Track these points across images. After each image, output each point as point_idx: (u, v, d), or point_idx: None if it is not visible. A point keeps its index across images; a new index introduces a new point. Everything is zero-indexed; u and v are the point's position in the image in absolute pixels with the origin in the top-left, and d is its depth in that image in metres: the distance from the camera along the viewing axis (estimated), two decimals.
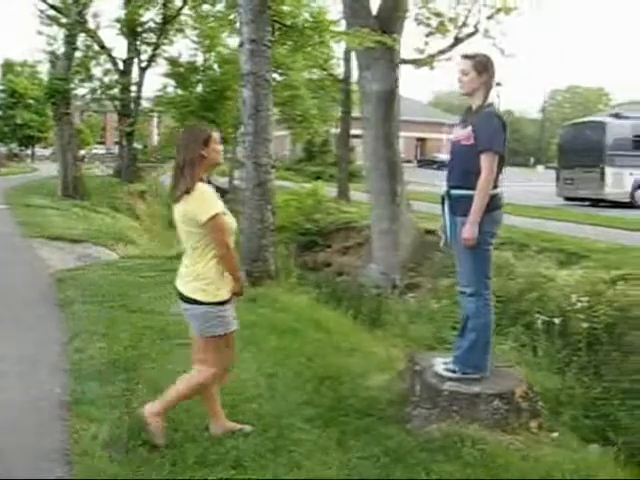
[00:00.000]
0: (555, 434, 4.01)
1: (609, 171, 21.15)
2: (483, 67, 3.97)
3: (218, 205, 3.38)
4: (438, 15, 12.08)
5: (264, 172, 7.41)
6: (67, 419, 3.81)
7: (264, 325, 5.90)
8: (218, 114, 22.20)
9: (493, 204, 3.93)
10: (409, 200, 14.38)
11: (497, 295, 10.84)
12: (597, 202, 21.22)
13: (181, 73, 22.66)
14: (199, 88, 23.20)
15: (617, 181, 21.21)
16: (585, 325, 9.11)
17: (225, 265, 3.41)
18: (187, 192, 3.33)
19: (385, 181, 12.48)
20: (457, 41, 13.60)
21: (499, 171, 3.95)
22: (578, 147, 22.09)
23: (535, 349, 9.09)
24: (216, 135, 3.49)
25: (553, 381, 7.52)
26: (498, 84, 24.11)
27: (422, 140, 52.28)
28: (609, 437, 6.31)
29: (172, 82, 23.09)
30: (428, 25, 13.17)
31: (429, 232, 16.06)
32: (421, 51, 13.35)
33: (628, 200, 21.31)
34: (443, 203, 4.14)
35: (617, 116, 22.33)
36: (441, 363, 4.13)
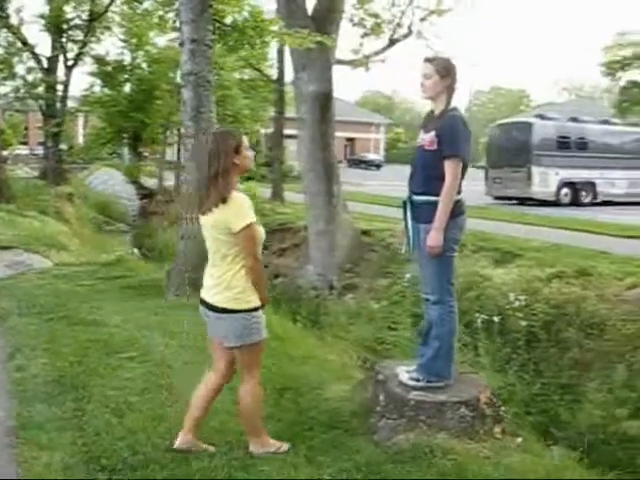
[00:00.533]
0: (519, 439, 4.00)
1: (536, 170, 21.77)
2: (446, 70, 3.91)
3: (252, 214, 3.33)
4: (375, 16, 12.11)
5: None
6: (14, 446, 3.54)
7: None
8: (147, 114, 21.70)
9: (457, 210, 3.88)
10: (345, 201, 14.37)
11: None
12: (524, 201, 21.80)
13: (108, 72, 22.02)
14: (127, 88, 22.61)
15: (543, 180, 21.87)
16: (524, 323, 9.29)
17: (253, 276, 3.37)
18: (223, 201, 3.26)
19: (321, 182, 12.46)
20: (392, 42, 13.72)
21: (462, 177, 3.91)
22: (506, 147, 22.67)
23: (476, 348, 9.22)
24: (246, 140, 3.45)
25: (495, 380, 7.62)
26: None
27: (351, 140, 52.68)
28: (552, 433, 6.43)
29: (99, 81, 22.42)
30: (363, 26, 13.23)
31: (365, 233, 16.20)
32: (356, 52, 13.39)
33: (553, 199, 22.01)
34: (405, 209, 4.06)
35: (542, 117, 23.03)
36: (405, 372, 4.06)
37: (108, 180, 21.85)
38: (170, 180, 22.58)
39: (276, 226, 15.54)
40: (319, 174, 12.47)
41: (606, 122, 24.25)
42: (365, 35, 13.08)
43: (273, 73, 17.13)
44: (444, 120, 3.86)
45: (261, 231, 3.42)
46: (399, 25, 13.63)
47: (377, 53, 13.26)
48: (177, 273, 7.19)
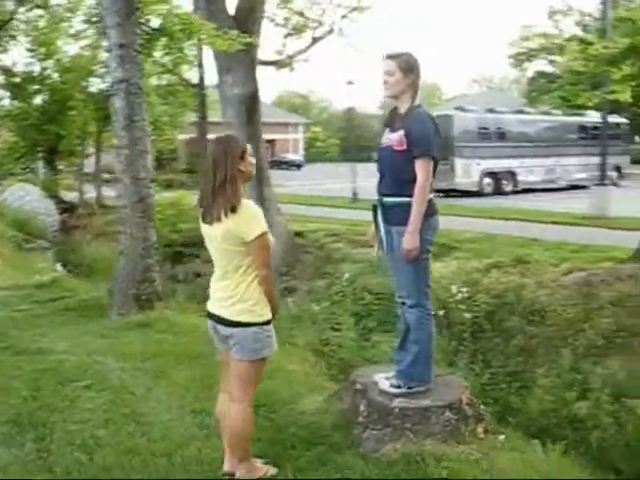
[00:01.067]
0: (502, 437, 3.96)
1: (458, 162, 22.22)
2: (409, 67, 3.77)
3: (264, 222, 3.19)
4: (301, 15, 12.00)
5: (144, 187, 6.90)
6: None
7: (169, 353, 5.44)
8: (62, 126, 20.81)
9: (430, 210, 3.79)
10: (278, 203, 14.22)
11: (375, 293, 11.03)
12: (448, 192, 22.19)
13: (17, 83, 20.99)
14: (39, 99, 21.64)
15: (466, 171, 22.34)
16: (468, 315, 9.38)
17: (267, 286, 3.25)
18: (233, 210, 3.09)
19: (252, 186, 12.25)
20: (314, 41, 13.66)
21: (433, 175, 3.82)
22: None
23: None
24: (249, 147, 3.32)
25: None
26: (350, 82, 24.62)
27: (271, 141, 52.43)
28: (508, 421, 6.44)
29: (8, 93, 21.35)
30: (285, 26, 13.11)
31: (298, 234, 16.07)
32: (280, 52, 13.27)
33: (476, 189, 22.51)
34: (375, 212, 3.94)
35: (462, 109, 23.52)
36: (384, 379, 3.95)
37: (24, 196, 20.79)
38: (91, 192, 21.75)
39: None
40: None
41: (521, 112, 25.00)
42: (288, 35, 12.94)
43: (192, 77, 16.74)
44: (411, 118, 3.74)
45: (272, 240, 3.30)
46: (321, 23, 13.58)
47: (301, 52, 13.15)
48: (120, 291, 6.85)
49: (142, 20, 7.10)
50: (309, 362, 6.10)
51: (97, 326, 6.34)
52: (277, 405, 4.27)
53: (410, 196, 3.69)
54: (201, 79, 17.02)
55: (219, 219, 3.13)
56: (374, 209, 3.94)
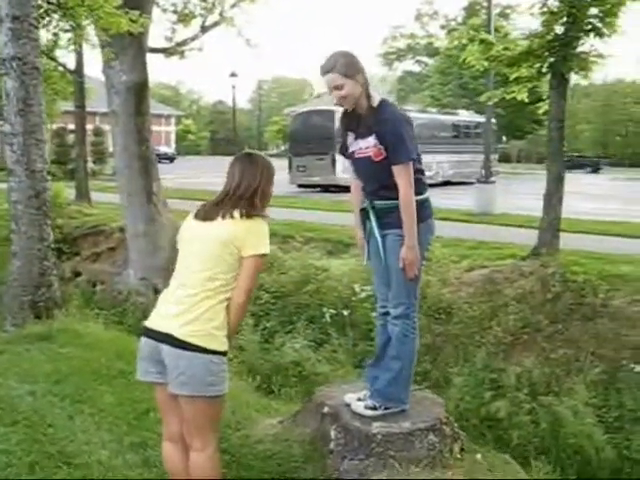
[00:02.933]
0: (478, 455, 3.69)
1: (339, 157, 22.16)
2: (353, 69, 3.33)
3: (268, 245, 2.83)
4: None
5: (40, 180, 6.08)
6: None
7: (83, 372, 4.73)
8: None
9: (427, 212, 3.45)
10: (165, 198, 13.46)
11: (272, 291, 10.64)
12: (328, 187, 22.13)
13: None
14: None
15: (347, 167, 22.32)
16: (373, 314, 9.18)
17: (237, 313, 2.79)
18: (249, 215, 2.74)
19: (139, 179, 11.55)
20: (203, 29, 12.97)
21: (422, 174, 3.46)
22: (308, 135, 22.86)
23: (322, 344, 8.96)
24: None
25: (355, 375, 7.41)
26: (234, 74, 23.95)
27: None
28: None
29: None
30: (175, 12, 12.35)
31: None
32: (169, 39, 12.49)
33: None
34: (364, 217, 3.57)
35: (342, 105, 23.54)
36: (356, 400, 3.55)
37: None
38: None
39: (87, 229, 14.18)
40: (136, 171, 11.53)
41: None
42: (180, 21, 12.19)
43: (68, 62, 15.44)
44: (381, 120, 3.32)
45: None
46: (210, 11, 12.92)
47: (193, 39, 12.43)
48: (13, 297, 5.99)
49: None
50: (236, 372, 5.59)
51: None
52: (226, 432, 3.74)
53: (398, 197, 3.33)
54: (79, 65, 15.73)
55: (230, 216, 2.75)
56: (366, 214, 3.53)
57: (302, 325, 9.45)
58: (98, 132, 30.89)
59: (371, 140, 3.36)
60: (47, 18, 7.76)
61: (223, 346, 2.76)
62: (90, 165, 22.57)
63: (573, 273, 8.49)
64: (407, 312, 3.49)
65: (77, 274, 13.53)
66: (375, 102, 3.40)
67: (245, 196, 2.81)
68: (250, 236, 2.74)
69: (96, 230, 14.20)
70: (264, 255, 2.78)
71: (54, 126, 26.10)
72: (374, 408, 3.46)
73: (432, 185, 22.13)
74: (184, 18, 12.72)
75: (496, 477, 3.44)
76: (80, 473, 3.23)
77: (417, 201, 3.35)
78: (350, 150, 3.54)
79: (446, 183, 25.22)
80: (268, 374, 7.77)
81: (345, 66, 3.32)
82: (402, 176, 3.30)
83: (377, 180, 3.42)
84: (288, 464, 3.36)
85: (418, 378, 8.41)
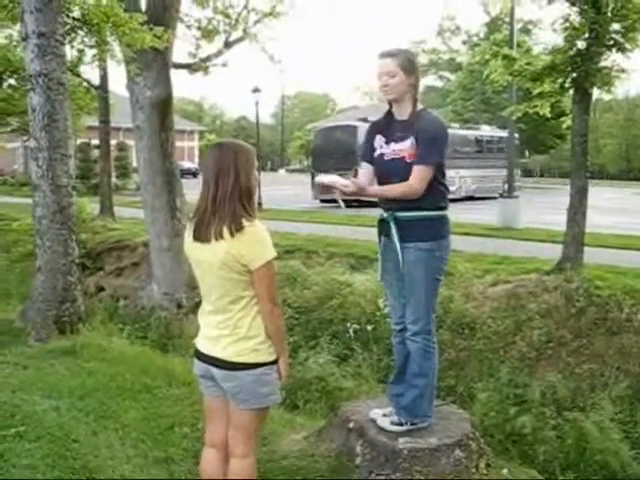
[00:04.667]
0: (505, 470, 3.64)
1: (361, 171, 22.17)
2: (412, 66, 3.36)
3: (273, 248, 2.65)
4: (226, 16, 11.39)
5: (65, 195, 6.13)
6: None
7: (108, 387, 4.74)
8: None
9: (449, 227, 3.44)
10: (189, 213, 13.51)
11: (295, 307, 10.63)
12: (351, 202, 22.08)
13: None
14: None
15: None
16: None
17: (272, 323, 2.70)
18: (239, 229, 2.58)
19: (163, 195, 11.61)
20: (227, 45, 13.09)
21: (446, 189, 3.44)
22: (331, 150, 22.91)
23: (346, 359, 8.92)
24: None
25: (379, 390, 7.35)
26: (257, 90, 24.06)
27: None
28: None
29: None
30: (199, 28, 12.48)
31: None
32: (194, 55, 12.61)
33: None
34: (381, 229, 3.53)
35: (366, 120, 23.55)
36: (381, 415, 3.51)
37: None
38: None
39: (111, 244, 14.30)
40: (160, 186, 11.60)
41: None
42: (202, 37, 12.31)
43: (92, 78, 15.66)
44: (422, 125, 3.33)
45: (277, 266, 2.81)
46: (233, 27, 13.03)
47: (216, 55, 12.54)
48: (38, 312, 6.04)
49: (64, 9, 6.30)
50: None
51: (15, 355, 5.50)
52: None
53: (428, 209, 3.33)
54: (104, 80, 15.93)
55: (220, 236, 2.59)
56: (381, 225, 3.50)
57: (326, 340, 9.42)
58: (122, 147, 31.26)
59: (408, 143, 3.35)
60: (72, 34, 7.84)
61: (271, 356, 2.72)
62: (114, 180, 22.79)
63: (597, 287, 8.39)
64: (427, 328, 3.45)
65: (100, 289, 13.64)
66: (421, 109, 3.43)
67: (227, 205, 2.62)
68: (251, 249, 2.61)
69: (120, 245, 14.30)
70: (272, 260, 2.67)
71: (78, 141, 26.44)
72: (400, 424, 3.44)
73: (455, 200, 22.19)
74: (208, 34, 12.83)
75: None
76: None
77: (442, 216, 3.37)
78: (378, 153, 3.51)
79: (469, 198, 25.14)
80: (292, 389, 7.74)
81: (406, 60, 3.36)
82: (420, 175, 3.29)
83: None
84: (314, 479, 3.33)
85: (442, 393, 8.42)
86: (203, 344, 2.79)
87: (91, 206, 15.36)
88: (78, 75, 14.56)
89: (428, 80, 57.26)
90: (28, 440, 3.72)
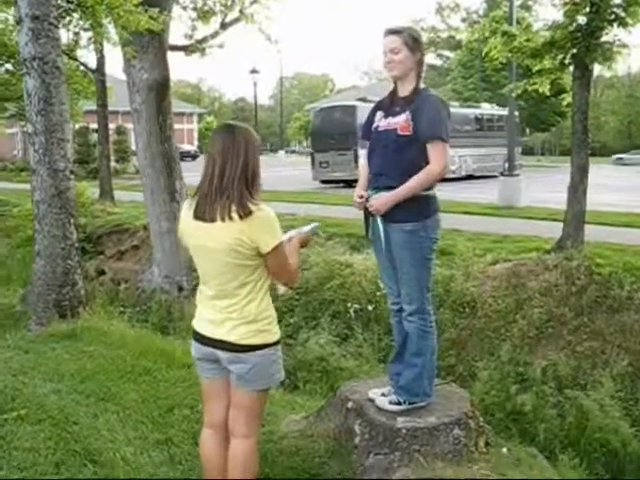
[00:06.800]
0: (504, 449, 3.64)
1: (361, 152, 22.07)
2: (416, 43, 3.32)
3: (280, 230, 2.62)
4: None
5: (62, 179, 6.10)
6: None
7: (108, 370, 4.75)
8: None
9: (435, 206, 3.40)
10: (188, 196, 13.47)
11: (296, 288, 10.64)
12: (351, 183, 22.04)
13: None
14: None
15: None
16: None
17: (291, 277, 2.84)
18: (249, 213, 2.51)
19: (162, 178, 11.56)
20: (223, 26, 12.96)
21: None
22: (331, 131, 22.80)
23: (347, 339, 8.95)
24: None
25: (380, 370, 7.38)
26: (254, 71, 23.96)
27: None
28: None
29: None
30: (194, 9, 12.36)
31: None
32: (189, 37, 12.50)
33: None
34: (367, 211, 3.47)
35: (365, 100, 23.41)
36: (380, 395, 3.52)
37: None
38: None
39: (111, 228, 14.28)
40: (159, 169, 11.56)
41: None
42: (198, 19, 12.19)
43: (89, 61, 15.56)
44: (419, 101, 3.31)
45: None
46: (229, 8, 12.90)
47: (212, 37, 12.42)
48: (38, 297, 6.04)
49: None
50: None
51: (16, 340, 5.52)
52: None
53: None
54: (101, 63, 15.82)
55: (229, 217, 2.52)
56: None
57: (326, 320, 9.45)
58: (121, 131, 31.13)
59: (403, 117, 3.31)
60: (67, 18, 7.76)
61: (275, 336, 2.72)
62: (113, 164, 22.72)
63: (598, 265, 8.37)
64: (422, 307, 3.43)
65: (101, 272, 13.64)
66: (421, 88, 3.39)
67: (235, 185, 2.55)
68: (263, 234, 2.56)
69: (120, 229, 14.29)
70: (282, 242, 2.64)
71: (77, 126, 26.33)
72: (399, 403, 3.43)
73: (455, 179, 22.11)
74: (204, 15, 12.70)
75: (522, 470, 3.39)
76: (105, 471, 3.24)
77: (427, 196, 3.31)
78: (374, 126, 3.47)
79: (469, 177, 25.06)
80: (292, 370, 7.77)
81: (411, 37, 3.32)
82: (437, 154, 3.23)
83: (396, 158, 3.31)
84: (313, 460, 3.34)
85: (443, 373, 8.45)
86: (205, 327, 2.74)
87: (91, 190, 15.31)
88: (75, 59, 14.47)
89: (428, 59, 56.85)
90: (29, 423, 3.75)
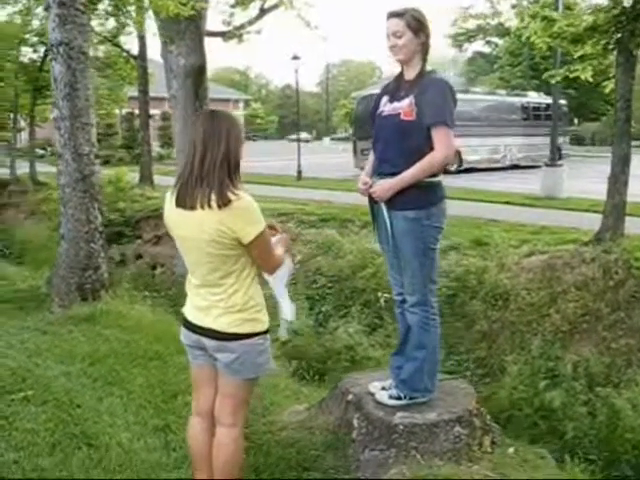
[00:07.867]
0: (511, 449, 3.51)
1: None
2: (420, 25, 3.18)
3: (262, 218, 2.57)
4: None
5: (87, 163, 6.15)
6: None
7: (120, 354, 4.77)
8: None
9: (440, 193, 3.26)
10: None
11: (329, 275, 10.56)
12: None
13: None
14: None
15: None
16: None
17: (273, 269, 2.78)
18: (227, 202, 2.45)
19: None
20: (262, 12, 12.89)
21: None
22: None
23: (376, 328, 8.86)
24: None
25: None
26: (296, 57, 23.85)
27: None
28: None
29: None
30: None
31: None
32: (228, 23, 12.48)
33: None
34: (371, 198, 3.35)
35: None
36: (380, 389, 3.42)
37: None
38: (24, 168, 20.27)
39: (149, 212, 14.43)
40: None
41: (466, 91, 24.82)
42: (236, 4, 12.15)
43: (132, 48, 15.68)
44: (423, 85, 3.18)
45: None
46: None
47: (250, 23, 12.38)
48: (61, 279, 6.11)
49: None
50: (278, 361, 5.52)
51: (36, 321, 5.59)
52: (251, 419, 3.67)
53: None
54: (142, 50, 15.95)
55: (208, 205, 2.46)
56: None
57: (357, 309, 9.37)
58: (166, 116, 31.40)
59: (407, 101, 3.18)
60: (96, 3, 7.81)
61: (264, 325, 2.67)
62: (157, 149, 22.95)
63: (637, 259, 8.07)
64: (425, 299, 3.31)
65: (139, 257, 13.81)
66: (426, 71, 3.27)
67: (215, 173, 2.49)
68: (242, 224, 2.49)
69: (157, 213, 14.39)
70: (264, 230, 2.56)
71: (123, 111, 26.67)
72: (399, 398, 3.33)
73: (500, 169, 21.71)
74: (242, 1, 12.67)
75: (526, 471, 3.26)
76: (98, 455, 3.24)
77: (431, 183, 3.18)
78: (379, 111, 3.35)
79: (515, 167, 24.58)
80: (321, 358, 7.72)
81: (413, 19, 3.19)
82: (442, 139, 3.10)
83: (400, 144, 3.18)
84: (308, 452, 3.27)
85: (472, 365, 8.30)
86: (193, 314, 2.70)
87: (131, 175, 15.48)
88: (118, 45, 14.60)
89: (476, 46, 55.87)
90: (34, 404, 3.78)
